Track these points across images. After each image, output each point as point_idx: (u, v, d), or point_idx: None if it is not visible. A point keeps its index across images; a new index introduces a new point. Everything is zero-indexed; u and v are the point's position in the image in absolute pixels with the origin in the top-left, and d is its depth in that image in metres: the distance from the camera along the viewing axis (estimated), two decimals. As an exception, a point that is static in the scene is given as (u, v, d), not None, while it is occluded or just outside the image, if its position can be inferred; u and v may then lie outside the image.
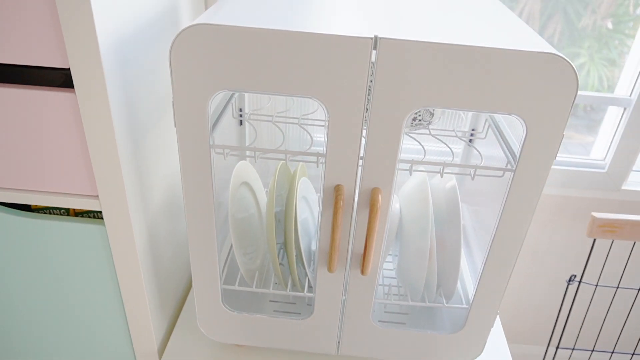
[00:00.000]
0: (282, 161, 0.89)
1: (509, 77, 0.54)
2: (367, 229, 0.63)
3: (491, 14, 0.68)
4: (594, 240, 0.99)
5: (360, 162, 0.61)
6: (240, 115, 0.94)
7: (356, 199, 0.64)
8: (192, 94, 0.57)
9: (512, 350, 1.45)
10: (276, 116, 0.95)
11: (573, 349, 1.10)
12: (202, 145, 0.61)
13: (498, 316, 0.96)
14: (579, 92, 1.17)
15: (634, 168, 1.22)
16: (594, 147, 1.23)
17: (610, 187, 1.17)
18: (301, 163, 0.89)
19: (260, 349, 0.86)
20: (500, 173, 0.69)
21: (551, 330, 1.24)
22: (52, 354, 0.89)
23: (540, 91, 0.54)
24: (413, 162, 0.63)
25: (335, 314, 0.75)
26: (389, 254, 1.03)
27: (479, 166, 0.62)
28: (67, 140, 0.64)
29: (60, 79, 0.61)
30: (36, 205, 0.76)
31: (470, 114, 0.91)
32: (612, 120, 1.17)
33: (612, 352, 1.10)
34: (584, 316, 1.04)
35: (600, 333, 1.34)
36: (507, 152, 0.67)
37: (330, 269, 0.67)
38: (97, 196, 0.68)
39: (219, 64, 0.55)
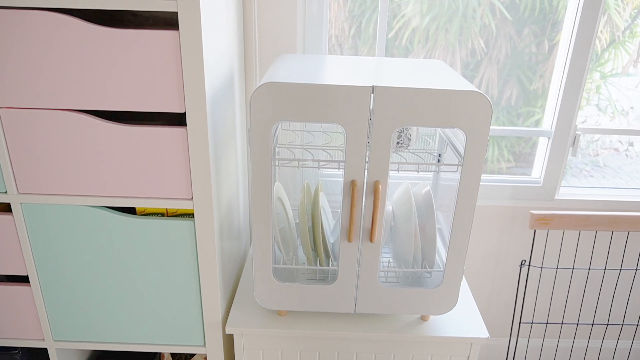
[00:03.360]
0: (307, 181, 1.24)
1: (452, 106, 0.91)
2: (373, 207, 0.98)
3: (441, 71, 1.07)
4: (535, 231, 1.35)
5: (366, 165, 0.97)
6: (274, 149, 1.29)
7: (364, 190, 0.99)
8: (262, 123, 0.93)
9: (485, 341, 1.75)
10: (305, 145, 1.31)
11: (532, 323, 1.42)
12: (267, 157, 0.96)
13: (468, 288, 1.28)
14: (518, 128, 1.56)
15: (563, 184, 1.60)
16: (533, 168, 1.61)
17: (546, 197, 1.54)
18: (320, 182, 1.24)
19: (295, 315, 1.16)
20: (455, 168, 1.05)
21: (512, 311, 1.56)
22: (143, 319, 1.17)
23: (472, 113, 0.92)
24: (399, 162, 0.99)
25: (353, 278, 1.08)
26: (386, 252, 1.36)
27: (441, 164, 0.98)
28: (176, 161, 0.99)
29: (176, 119, 0.96)
30: (140, 209, 1.09)
31: (437, 141, 1.29)
32: (543, 147, 1.57)
33: (562, 324, 1.42)
34: (535, 294, 1.36)
35: (551, 308, 1.67)
36: (458, 156, 1.03)
37: (349, 239, 1.01)
38: (192, 199, 1.02)
39: (278, 104, 0.91)
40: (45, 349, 1.33)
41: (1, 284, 1.12)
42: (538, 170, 1.59)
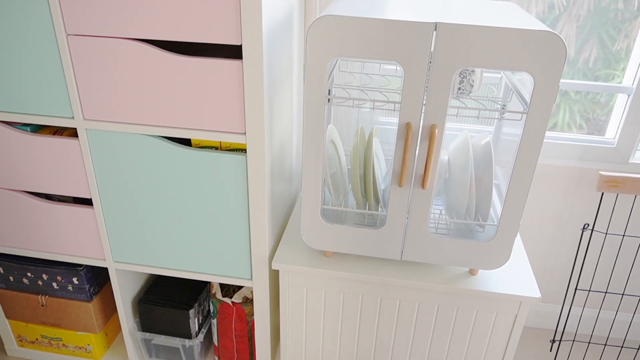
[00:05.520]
0: (361, 125, 1.21)
1: (521, 47, 0.85)
2: (427, 152, 0.94)
3: (512, 13, 0.99)
4: (602, 194, 1.26)
5: (423, 107, 0.93)
6: (328, 98, 1.27)
7: (420, 134, 0.95)
8: (318, 58, 0.91)
9: (536, 307, 1.70)
10: (361, 87, 1.28)
11: (589, 290, 1.36)
12: (321, 94, 0.94)
13: (523, 247, 1.23)
14: (595, 83, 1.44)
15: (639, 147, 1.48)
16: (607, 128, 1.50)
17: (619, 160, 1.43)
18: (375, 127, 1.21)
19: (341, 257, 1.17)
20: (519, 116, 0.99)
21: (569, 275, 1.49)
22: (195, 248, 1.23)
23: (542, 55, 0.85)
24: (458, 107, 0.94)
25: (401, 225, 1.06)
26: (438, 205, 1.32)
27: (505, 110, 0.93)
28: (231, 94, 0.99)
29: (233, 52, 0.96)
30: (196, 142, 1.11)
31: (502, 90, 1.21)
32: (620, 105, 1.44)
33: (622, 294, 1.35)
34: (597, 261, 1.29)
35: (612, 277, 1.58)
36: (523, 104, 0.97)
37: (400, 184, 0.99)
38: (244, 133, 1.03)
39: (336, 39, 0.88)
40: (106, 268, 1.43)
41: (68, 204, 1.20)
42: (612, 131, 1.47)
